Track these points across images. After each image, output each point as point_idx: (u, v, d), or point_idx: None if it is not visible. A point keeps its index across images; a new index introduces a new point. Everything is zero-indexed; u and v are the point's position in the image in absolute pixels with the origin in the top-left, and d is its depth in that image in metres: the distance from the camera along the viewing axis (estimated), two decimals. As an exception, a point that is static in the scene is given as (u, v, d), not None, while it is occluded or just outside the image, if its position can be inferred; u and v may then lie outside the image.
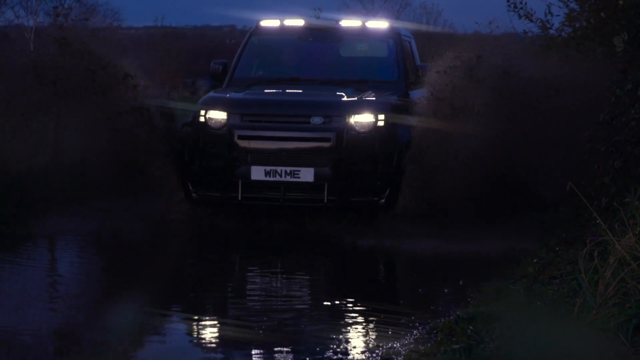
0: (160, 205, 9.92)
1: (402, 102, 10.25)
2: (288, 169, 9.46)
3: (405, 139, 9.61)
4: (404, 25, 15.98)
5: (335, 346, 5.60)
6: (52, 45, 10.15)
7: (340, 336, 5.85)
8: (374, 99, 9.95)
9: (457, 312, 5.87)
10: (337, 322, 6.23)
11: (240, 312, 6.70)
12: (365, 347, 5.61)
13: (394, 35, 11.14)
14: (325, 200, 9.42)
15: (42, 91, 9.79)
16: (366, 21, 11.35)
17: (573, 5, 11.85)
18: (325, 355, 5.41)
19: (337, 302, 6.80)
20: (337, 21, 11.40)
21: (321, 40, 11.26)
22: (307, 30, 11.25)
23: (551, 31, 12.02)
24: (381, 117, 9.59)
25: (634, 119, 7.37)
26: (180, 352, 5.71)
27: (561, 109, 9.26)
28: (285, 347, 5.61)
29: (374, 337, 5.87)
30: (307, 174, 9.45)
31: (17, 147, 9.69)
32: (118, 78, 10.00)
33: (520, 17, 11.87)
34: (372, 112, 9.59)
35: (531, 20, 11.94)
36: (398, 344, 5.57)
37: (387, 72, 10.84)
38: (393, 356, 5.36)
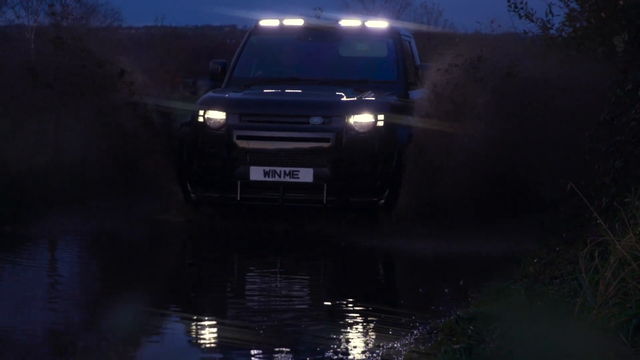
0: (158, 205, 9.95)
1: (401, 102, 10.28)
2: (287, 169, 9.48)
3: (404, 139, 9.62)
4: (405, 25, 15.99)
5: (335, 346, 5.62)
6: (48, 45, 10.18)
7: (341, 336, 5.88)
8: (373, 99, 9.97)
9: (458, 312, 5.89)
10: (338, 322, 6.26)
11: (240, 312, 6.72)
12: (365, 347, 5.63)
13: (394, 35, 11.16)
14: (325, 201, 9.43)
15: (41, 92, 9.82)
16: (366, 21, 11.36)
17: (573, 5, 11.88)
18: (325, 355, 5.43)
19: (337, 302, 6.83)
20: (337, 21, 11.43)
21: (320, 40, 11.27)
22: (307, 30, 11.26)
23: (551, 31, 12.04)
24: (381, 117, 9.61)
25: (635, 119, 7.39)
26: (180, 352, 5.73)
27: (561, 109, 9.28)
28: (286, 347, 5.64)
29: (374, 337, 5.89)
30: (306, 175, 9.47)
31: (17, 147, 9.71)
32: (114, 74, 10.01)
33: (520, 17, 11.90)
34: (371, 112, 9.60)
35: (532, 21, 11.97)
36: (398, 344, 5.60)
37: (387, 72, 10.86)
38: (393, 356, 5.38)
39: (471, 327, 5.49)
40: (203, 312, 6.55)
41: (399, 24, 13.61)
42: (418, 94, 10.31)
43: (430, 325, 5.95)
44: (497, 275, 7.13)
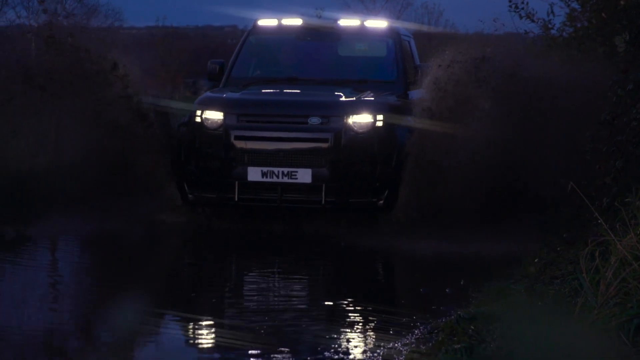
0: (156, 206, 9.96)
1: (401, 102, 10.32)
2: (285, 169, 9.51)
3: (404, 140, 9.66)
4: (405, 25, 16.04)
5: (336, 346, 5.68)
6: (42, 44, 10.23)
7: (341, 336, 5.94)
8: (372, 99, 9.99)
9: (459, 312, 5.94)
10: (338, 322, 6.32)
11: (240, 312, 6.76)
12: (366, 347, 5.70)
13: (393, 34, 11.20)
14: (323, 202, 9.46)
15: (36, 93, 9.86)
16: (365, 20, 11.39)
17: (574, 4, 11.93)
18: (326, 355, 5.49)
19: (337, 302, 6.88)
20: (336, 20, 11.47)
21: (319, 39, 11.29)
22: (305, 30, 11.30)
23: (552, 31, 12.08)
24: (380, 117, 9.64)
25: (636, 119, 7.45)
26: (179, 352, 5.78)
27: (562, 109, 9.33)
28: (286, 347, 5.68)
29: (375, 337, 5.95)
30: (304, 175, 9.50)
31: (16, 147, 9.74)
32: (107, 69, 10.05)
33: (521, 17, 11.94)
34: (370, 113, 9.64)
35: (532, 21, 12.01)
36: (399, 344, 5.66)
37: (386, 72, 10.89)
38: (394, 356, 5.44)
39: (472, 327, 5.53)
40: (202, 313, 6.59)
41: (400, 24, 13.63)
42: (418, 94, 10.35)
43: (431, 325, 6.01)
44: (498, 275, 7.18)
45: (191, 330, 6.19)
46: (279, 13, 11.33)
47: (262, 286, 7.67)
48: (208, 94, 10.54)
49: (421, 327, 6.04)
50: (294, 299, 7.26)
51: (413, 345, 5.61)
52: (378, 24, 11.37)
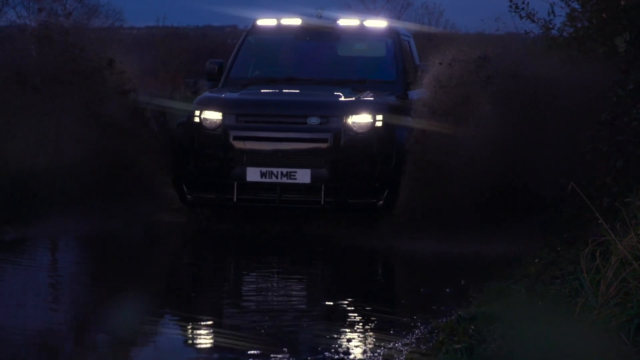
0: (154, 206, 9.99)
1: (400, 102, 10.33)
2: (284, 170, 9.53)
3: (403, 140, 9.68)
4: (406, 25, 16.06)
5: (336, 346, 5.71)
6: (37, 44, 10.26)
7: (342, 336, 5.97)
8: (371, 99, 10.01)
9: (459, 312, 5.99)
10: (338, 323, 6.35)
11: (240, 313, 6.79)
12: (366, 347, 5.73)
13: (393, 34, 11.22)
14: (322, 202, 9.46)
15: (32, 94, 9.90)
16: (364, 20, 11.41)
17: (575, 4, 11.96)
18: (326, 355, 5.52)
19: (337, 302, 6.92)
20: (335, 20, 11.49)
21: (318, 39, 11.30)
22: (304, 30, 11.31)
23: (553, 31, 12.12)
24: (379, 117, 9.65)
25: (636, 119, 7.50)
26: (179, 353, 5.81)
27: (563, 108, 9.36)
28: (287, 347, 5.71)
29: (375, 337, 5.97)
30: (303, 176, 9.52)
31: (16, 147, 9.76)
32: (103, 65, 10.07)
33: (521, 17, 11.98)
34: (370, 113, 9.65)
35: (533, 21, 12.05)
36: (399, 344, 5.69)
37: (386, 71, 10.91)
38: (395, 356, 5.47)
39: (472, 327, 5.57)
40: (202, 313, 6.62)
41: (400, 24, 13.66)
42: (417, 94, 10.34)
43: (431, 325, 6.04)
44: (498, 275, 7.22)
45: (191, 331, 6.21)
46: (279, 13, 11.36)
47: (261, 286, 7.70)
48: (207, 94, 10.56)
49: (421, 327, 6.07)
50: (294, 299, 7.29)
51: (413, 345, 5.64)
52: (377, 23, 11.39)
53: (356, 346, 5.75)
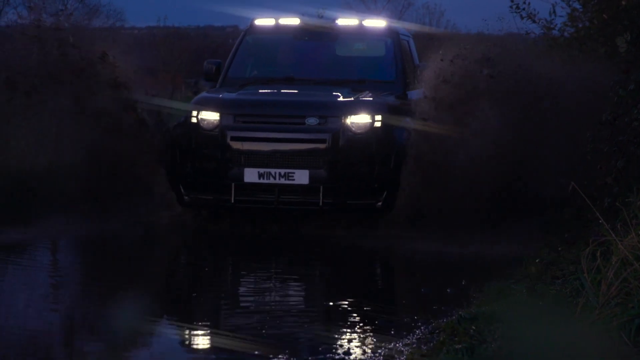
0: (151, 207, 10.02)
1: (400, 103, 10.36)
2: (282, 171, 9.55)
3: (403, 140, 9.73)
4: (407, 25, 16.10)
5: (337, 346, 5.78)
6: (31, 46, 10.31)
7: (342, 337, 6.04)
8: (370, 99, 10.03)
9: (460, 312, 6.04)
10: (339, 323, 6.40)
11: (240, 313, 6.86)
12: (367, 347, 5.78)
13: (392, 34, 11.25)
14: (321, 203, 9.48)
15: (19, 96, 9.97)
16: (363, 20, 11.43)
17: (576, 5, 12.03)
18: (327, 356, 5.58)
19: (338, 303, 6.97)
20: (334, 20, 11.53)
21: (317, 39, 11.33)
22: (303, 29, 11.32)
23: (554, 32, 12.18)
24: (378, 117, 9.67)
25: (637, 119, 7.56)
26: (178, 354, 5.88)
27: (565, 108, 9.42)
28: (287, 347, 5.75)
29: (376, 337, 6.02)
30: (301, 176, 9.54)
31: (15, 147, 9.81)
32: (95, 59, 10.13)
33: (522, 18, 12.03)
34: (368, 113, 9.68)
35: (534, 21, 12.11)
36: (400, 344, 5.74)
37: (385, 71, 10.95)
38: (395, 356, 5.52)
39: (473, 327, 5.62)
40: (202, 314, 6.69)
41: (400, 24, 13.70)
42: (417, 94, 10.40)
43: (432, 325, 6.10)
44: (499, 275, 7.26)
45: (191, 332, 6.24)
46: (280, 13, 11.38)
47: (261, 287, 7.74)
48: (204, 94, 10.59)
49: (422, 327, 6.12)
50: (294, 299, 7.37)
51: (414, 346, 5.68)
52: (376, 23, 11.41)
53: (357, 346, 5.80)
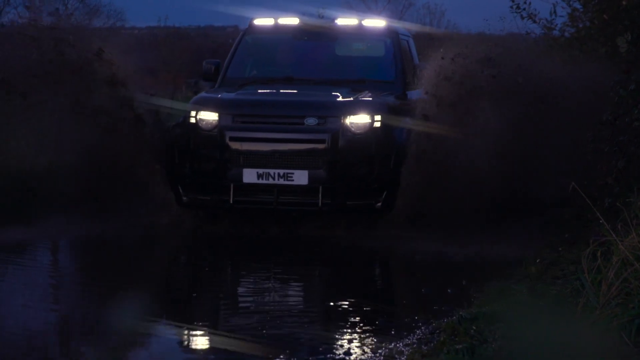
0: (149, 208, 10.01)
1: (399, 103, 10.36)
2: (281, 171, 9.55)
3: (402, 140, 9.74)
4: (407, 25, 16.14)
5: (338, 346, 5.84)
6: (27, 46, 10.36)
7: (343, 337, 6.09)
8: (370, 99, 10.04)
9: (460, 312, 6.09)
10: (339, 323, 6.45)
11: (240, 314, 6.91)
12: (368, 347, 5.83)
13: (392, 34, 11.26)
14: (320, 204, 9.49)
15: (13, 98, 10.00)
16: (363, 20, 11.44)
17: (576, 5, 12.07)
18: (327, 356, 5.63)
19: (338, 303, 7.01)
20: (333, 19, 11.55)
21: (316, 39, 11.33)
22: (302, 29, 11.33)
23: (554, 32, 12.22)
24: (377, 117, 9.68)
25: (638, 119, 7.60)
26: (178, 356, 5.93)
27: (565, 109, 9.46)
28: (288, 347, 5.80)
29: (376, 337, 6.06)
30: (301, 177, 9.55)
31: (11, 149, 9.85)
32: (91, 55, 10.17)
33: (522, 18, 12.07)
34: (368, 113, 9.69)
35: (534, 21, 12.14)
36: (401, 344, 5.79)
37: (384, 71, 10.95)
38: (396, 356, 5.57)
39: (473, 327, 5.67)
40: (202, 315, 6.73)
41: (401, 25, 13.73)
42: (416, 94, 10.42)
43: (432, 326, 6.14)
44: (499, 276, 7.32)
45: (192, 333, 6.28)
46: (280, 13, 11.40)
47: (261, 287, 7.78)
48: (203, 94, 10.59)
49: (423, 328, 6.16)
50: (294, 300, 7.41)
51: (415, 346, 5.72)
52: (376, 23, 11.41)
53: (357, 346, 5.84)
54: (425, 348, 5.64)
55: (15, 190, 9.70)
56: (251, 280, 8.13)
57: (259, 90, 10.64)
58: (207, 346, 6.08)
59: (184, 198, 9.87)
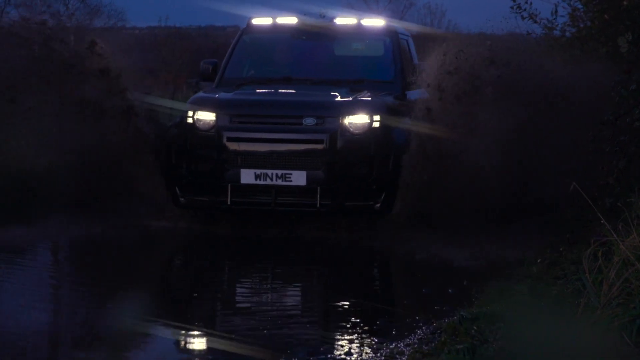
0: (147, 209, 10.07)
1: (398, 103, 10.40)
2: (279, 172, 9.59)
3: (401, 141, 9.77)
4: (407, 25, 16.18)
5: (338, 346, 5.91)
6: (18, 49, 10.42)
7: (344, 336, 6.16)
8: (369, 99, 10.08)
9: (461, 312, 6.16)
10: (340, 323, 6.53)
11: (241, 315, 6.97)
12: (368, 347, 5.90)
13: (391, 33, 11.30)
14: (318, 205, 9.53)
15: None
16: (362, 19, 11.47)
17: (577, 4, 12.12)
18: (328, 356, 5.70)
19: (339, 303, 7.08)
20: (332, 19, 11.59)
21: (315, 38, 11.36)
22: (301, 29, 11.36)
23: (555, 32, 12.27)
24: (376, 117, 9.72)
25: (638, 119, 7.67)
26: (179, 356, 6.00)
27: (564, 109, 9.52)
28: (289, 347, 5.87)
29: (377, 337, 6.13)
30: (299, 178, 9.59)
31: (15, 147, 9.90)
32: (82, 49, 10.25)
33: (523, 18, 12.13)
34: (367, 113, 9.73)
35: (535, 21, 12.19)
36: (402, 344, 5.86)
37: (383, 71, 10.99)
38: (397, 356, 5.64)
39: (474, 327, 5.74)
40: (202, 316, 6.79)
41: (401, 24, 13.76)
42: (416, 94, 10.46)
43: (433, 326, 6.21)
44: (500, 276, 7.41)
45: (190, 334, 6.33)
46: (280, 12, 11.41)
47: (261, 288, 7.86)
48: (200, 94, 10.62)
49: (424, 328, 6.22)
50: (295, 300, 7.48)
51: (415, 346, 5.78)
52: (375, 22, 11.45)
53: (358, 346, 5.92)
54: (426, 348, 5.69)
55: (15, 190, 9.74)
56: (251, 280, 8.18)
57: (257, 90, 10.66)
58: (206, 347, 6.14)
59: (181, 199, 9.91)
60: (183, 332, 6.34)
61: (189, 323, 6.51)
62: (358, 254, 9.20)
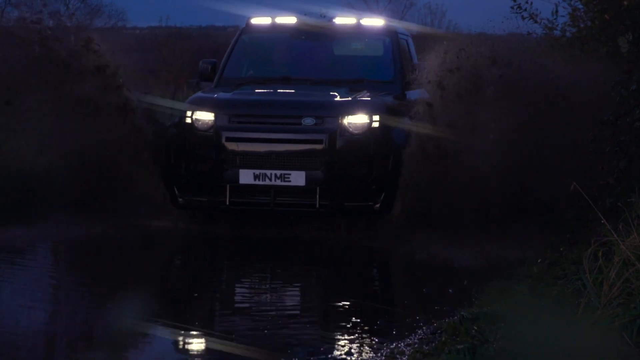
0: (145, 209, 10.09)
1: (398, 103, 10.42)
2: (278, 172, 9.60)
3: (401, 141, 9.78)
4: (408, 25, 16.21)
5: (339, 346, 5.95)
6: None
7: (344, 337, 6.20)
8: (368, 99, 10.09)
9: (461, 312, 6.21)
10: (340, 323, 6.57)
11: (241, 315, 7.00)
12: (369, 347, 5.94)
13: (390, 33, 11.31)
14: (317, 205, 9.54)
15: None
16: (361, 19, 11.48)
17: (578, 4, 12.16)
18: (329, 356, 5.73)
19: (339, 303, 7.12)
20: (331, 19, 11.61)
21: (314, 38, 11.37)
22: (300, 28, 11.36)
23: (555, 32, 12.31)
24: (376, 117, 9.74)
25: (639, 119, 7.72)
26: (178, 357, 6.03)
27: (564, 109, 9.56)
28: (289, 348, 5.90)
29: (377, 337, 6.16)
30: (298, 178, 9.61)
31: (15, 147, 9.93)
32: (78, 46, 10.28)
33: (523, 18, 12.16)
34: (366, 113, 9.74)
35: (536, 21, 12.23)
36: (402, 344, 5.89)
37: (383, 71, 11.01)
38: (397, 356, 5.68)
39: (475, 327, 5.78)
40: (202, 317, 6.84)
41: (401, 24, 13.79)
42: (416, 94, 10.49)
43: (434, 326, 6.25)
44: (501, 276, 7.44)
45: (189, 334, 6.34)
46: (281, 12, 11.42)
47: (261, 288, 7.89)
48: (199, 94, 10.63)
49: (424, 328, 6.26)
50: (295, 300, 7.52)
51: (416, 346, 5.81)
52: (375, 22, 11.46)
53: (359, 346, 5.95)
54: (426, 348, 5.72)
55: (15, 190, 9.76)
56: (250, 280, 8.20)
57: (256, 90, 10.67)
58: (205, 347, 6.15)
59: (180, 199, 9.92)
60: (182, 332, 6.34)
61: (189, 323, 6.52)
62: (358, 254, 9.23)
